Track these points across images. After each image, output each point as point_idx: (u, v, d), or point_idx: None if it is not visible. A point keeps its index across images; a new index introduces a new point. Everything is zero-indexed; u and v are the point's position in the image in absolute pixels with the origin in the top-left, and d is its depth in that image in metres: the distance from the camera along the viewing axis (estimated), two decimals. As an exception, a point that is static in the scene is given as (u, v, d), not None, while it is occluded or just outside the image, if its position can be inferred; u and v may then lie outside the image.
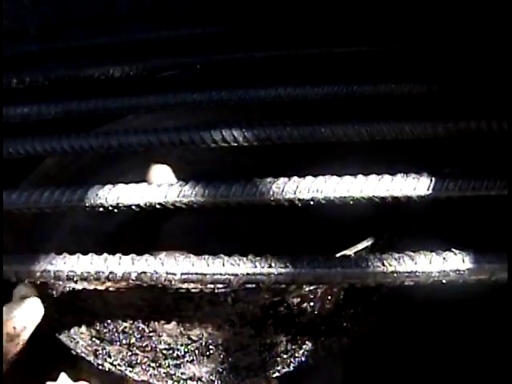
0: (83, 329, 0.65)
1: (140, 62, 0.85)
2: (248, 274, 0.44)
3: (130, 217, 0.95)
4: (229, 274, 0.45)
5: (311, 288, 0.59)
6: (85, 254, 0.49)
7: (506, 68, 0.67)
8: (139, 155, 0.95)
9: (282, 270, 0.44)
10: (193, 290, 0.55)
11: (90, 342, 0.67)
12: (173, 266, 0.46)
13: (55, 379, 0.87)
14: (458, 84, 0.71)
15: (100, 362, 0.69)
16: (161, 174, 0.99)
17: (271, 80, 0.77)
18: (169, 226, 0.96)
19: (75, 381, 0.88)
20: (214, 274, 0.45)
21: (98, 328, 0.64)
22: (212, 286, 0.47)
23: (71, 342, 0.69)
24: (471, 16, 0.82)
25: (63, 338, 0.70)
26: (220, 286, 0.46)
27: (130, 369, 0.67)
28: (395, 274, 0.44)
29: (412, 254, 0.45)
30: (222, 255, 0.46)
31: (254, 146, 0.62)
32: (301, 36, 0.90)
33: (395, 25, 0.87)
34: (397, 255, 0.45)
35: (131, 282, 0.47)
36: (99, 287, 0.56)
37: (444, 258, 0.45)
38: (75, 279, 0.48)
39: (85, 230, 0.93)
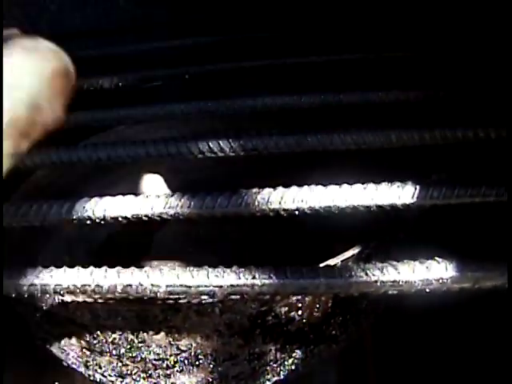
0: (73, 340, 0.65)
1: (129, 73, 0.86)
2: (232, 285, 0.45)
3: (123, 226, 0.95)
4: (213, 286, 0.45)
5: (299, 297, 0.59)
6: (72, 266, 0.49)
7: (502, 74, 0.67)
8: (130, 165, 0.96)
9: (266, 281, 0.44)
10: (180, 301, 0.55)
11: (80, 354, 0.67)
12: (158, 279, 0.46)
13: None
14: (447, 91, 0.71)
15: (91, 373, 0.69)
16: (152, 183, 0.99)
17: (260, 89, 0.77)
18: (161, 235, 0.96)
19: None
20: (198, 286, 0.45)
21: (87, 339, 0.64)
22: (197, 297, 0.47)
23: (62, 353, 0.69)
24: (465, 22, 0.82)
25: (54, 349, 0.70)
26: (205, 297, 0.46)
27: (121, 379, 0.68)
28: (378, 284, 0.45)
29: (395, 263, 0.45)
30: (207, 267, 0.46)
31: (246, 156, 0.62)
32: (285, 45, 0.91)
33: (384, 32, 0.87)
34: (380, 265, 0.45)
35: (117, 294, 0.47)
36: (87, 299, 0.57)
37: (427, 267, 0.45)
38: (62, 293, 0.48)
39: (78, 240, 0.94)
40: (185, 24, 1.04)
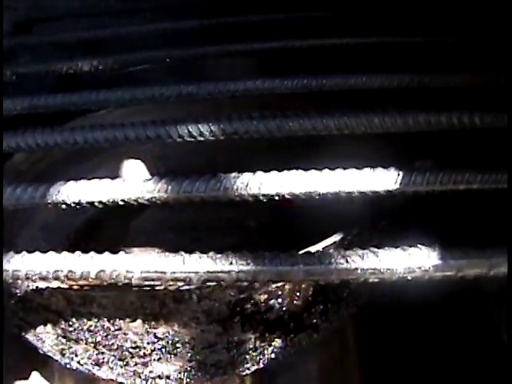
0: (49, 328, 0.64)
1: (109, 57, 0.84)
2: (208, 271, 0.43)
3: (100, 212, 0.94)
4: (189, 272, 0.44)
5: (278, 284, 0.58)
6: (45, 252, 0.48)
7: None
8: (111, 150, 0.95)
9: (243, 268, 0.43)
10: (157, 288, 0.54)
11: (56, 341, 0.65)
12: (132, 264, 0.45)
13: (27, 378, 0.87)
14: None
15: (67, 361, 0.68)
16: (133, 168, 0.98)
17: (244, 73, 0.76)
18: (140, 221, 0.95)
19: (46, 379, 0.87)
20: (173, 272, 0.44)
21: (63, 327, 0.62)
22: (173, 283, 0.46)
23: (38, 341, 0.68)
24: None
25: (30, 337, 0.69)
26: (181, 283, 0.45)
27: (98, 367, 0.66)
28: (359, 271, 0.43)
29: (376, 250, 0.44)
30: (183, 252, 0.45)
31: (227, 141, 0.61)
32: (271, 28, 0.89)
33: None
34: (360, 252, 0.44)
35: (91, 280, 0.46)
36: (62, 285, 0.55)
37: (409, 254, 0.44)
38: (34, 279, 0.47)
39: (55, 225, 0.92)
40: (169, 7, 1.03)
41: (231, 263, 0.43)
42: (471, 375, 0.86)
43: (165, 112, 0.83)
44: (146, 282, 0.45)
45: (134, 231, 0.94)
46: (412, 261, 0.44)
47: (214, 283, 0.44)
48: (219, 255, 0.44)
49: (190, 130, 0.60)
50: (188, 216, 0.94)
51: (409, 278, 0.44)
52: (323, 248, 0.57)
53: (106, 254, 0.46)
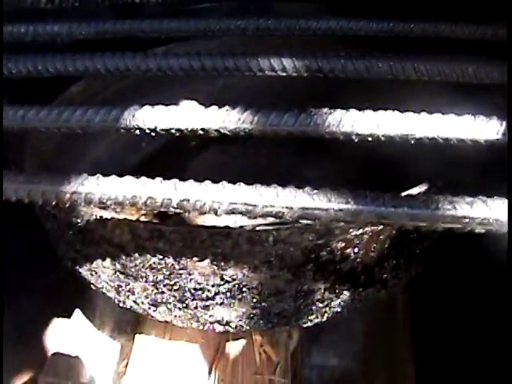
0: (107, 262, 0.61)
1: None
2: (305, 207, 0.40)
3: (154, 152, 0.91)
4: (283, 207, 0.40)
5: (358, 232, 0.55)
6: (121, 176, 0.44)
7: None
8: (167, 91, 0.91)
9: (343, 206, 0.39)
10: (232, 226, 0.51)
11: (113, 277, 0.63)
12: (220, 194, 0.41)
13: (69, 315, 0.85)
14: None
15: (122, 298, 0.65)
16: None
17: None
18: (195, 164, 0.92)
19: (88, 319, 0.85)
20: (265, 206, 0.40)
21: (123, 262, 0.60)
22: (263, 219, 0.42)
23: (92, 275, 0.65)
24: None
25: (83, 271, 0.66)
26: (272, 219, 0.41)
27: (154, 308, 0.64)
28: (466, 220, 0.40)
29: (485, 198, 0.40)
30: (276, 185, 0.41)
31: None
32: None
33: None
34: (469, 199, 0.40)
35: (172, 209, 0.42)
36: (129, 217, 0.52)
37: (521, 206, 0.40)
38: (109, 203, 0.43)
39: (106, 162, 0.89)
40: None
41: (330, 200, 0.39)
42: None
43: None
44: (233, 216, 0.41)
45: (188, 175, 0.91)
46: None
47: (309, 221, 0.40)
48: (316, 191, 0.40)
49: (273, 63, 0.56)
50: (243, 162, 0.91)
51: (519, 232, 0.40)
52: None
53: (191, 181, 0.42)
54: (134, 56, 0.59)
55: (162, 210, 0.42)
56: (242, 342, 0.78)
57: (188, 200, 0.41)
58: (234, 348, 0.78)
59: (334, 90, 0.72)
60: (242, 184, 0.41)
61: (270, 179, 0.88)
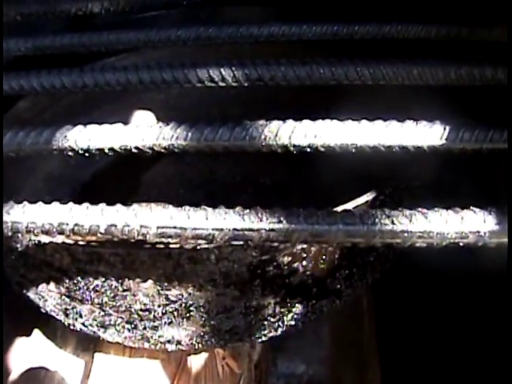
0: (52, 286, 0.59)
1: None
2: (235, 229, 0.38)
3: (108, 165, 0.89)
4: (212, 229, 0.38)
5: (304, 246, 0.53)
6: (48, 203, 0.43)
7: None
8: (120, 101, 0.89)
9: (275, 226, 0.38)
10: (171, 246, 0.49)
11: (59, 301, 0.61)
12: (148, 218, 0.39)
13: (28, 335, 0.83)
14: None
15: (71, 321, 0.64)
16: (145, 119, 0.92)
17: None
18: (150, 176, 0.90)
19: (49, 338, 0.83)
20: (195, 229, 0.39)
21: (67, 285, 0.58)
22: (193, 241, 0.40)
23: (40, 299, 0.63)
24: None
25: (31, 295, 0.64)
26: (202, 242, 0.40)
27: (103, 330, 0.62)
28: (406, 234, 0.38)
29: (426, 211, 0.39)
30: (206, 207, 0.40)
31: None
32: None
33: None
34: (408, 212, 0.39)
35: (100, 235, 0.40)
36: (67, 241, 0.50)
37: (462, 218, 0.38)
38: (35, 232, 0.41)
39: (59, 178, 0.87)
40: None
41: (261, 220, 0.38)
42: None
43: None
44: (163, 240, 0.39)
45: (144, 187, 0.89)
46: (465, 225, 0.38)
47: (240, 242, 0.39)
48: (247, 211, 0.38)
49: (211, 73, 0.54)
50: (200, 171, 0.90)
51: (460, 243, 0.39)
52: (356, 207, 0.52)
53: (118, 206, 0.41)
54: (70, 72, 0.57)
55: (89, 238, 0.40)
56: (204, 355, 0.77)
57: (115, 225, 0.40)
58: (195, 362, 0.76)
59: (299, 92, 0.70)
60: (170, 207, 0.39)
61: (225, 188, 0.88)
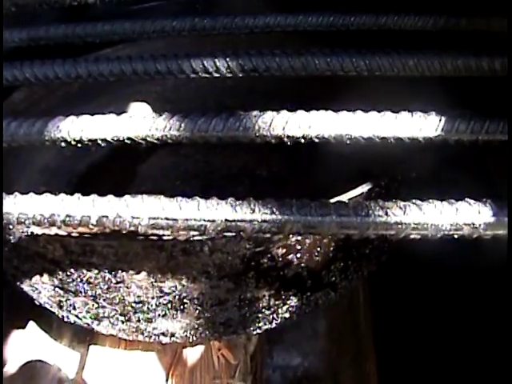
0: (45, 278, 0.59)
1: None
2: (227, 220, 0.38)
3: (104, 157, 0.89)
4: (204, 220, 0.38)
5: (298, 238, 0.53)
6: (40, 193, 0.42)
7: None
8: (116, 92, 0.89)
9: (267, 217, 0.37)
10: (165, 238, 0.48)
11: (52, 293, 0.60)
12: (139, 209, 0.39)
13: (23, 328, 0.83)
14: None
15: (65, 314, 0.63)
16: (140, 111, 0.92)
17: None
18: (146, 167, 0.90)
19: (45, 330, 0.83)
20: (187, 220, 0.38)
21: (60, 277, 0.57)
22: (185, 233, 0.40)
23: (33, 291, 0.63)
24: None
25: (25, 287, 0.64)
26: (194, 233, 0.39)
27: (97, 322, 0.62)
28: (400, 226, 0.38)
29: (420, 202, 0.39)
30: (198, 198, 0.39)
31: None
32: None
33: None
34: (402, 204, 0.38)
35: (91, 227, 0.40)
36: (59, 232, 0.50)
37: (457, 209, 0.38)
38: (27, 223, 0.41)
39: (55, 169, 0.87)
40: None
41: (253, 211, 0.38)
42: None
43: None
44: (155, 231, 0.39)
45: (139, 178, 0.89)
46: (460, 216, 0.38)
47: (233, 233, 0.38)
48: (239, 202, 0.38)
49: (206, 64, 0.54)
50: (196, 163, 0.89)
51: (455, 235, 0.38)
52: (351, 198, 0.52)
53: (110, 197, 0.40)
54: (64, 63, 0.57)
55: (81, 229, 0.40)
56: (200, 347, 0.76)
57: (107, 216, 0.39)
58: (191, 353, 0.76)
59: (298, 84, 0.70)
60: (162, 197, 0.39)
61: (221, 179, 0.87)
